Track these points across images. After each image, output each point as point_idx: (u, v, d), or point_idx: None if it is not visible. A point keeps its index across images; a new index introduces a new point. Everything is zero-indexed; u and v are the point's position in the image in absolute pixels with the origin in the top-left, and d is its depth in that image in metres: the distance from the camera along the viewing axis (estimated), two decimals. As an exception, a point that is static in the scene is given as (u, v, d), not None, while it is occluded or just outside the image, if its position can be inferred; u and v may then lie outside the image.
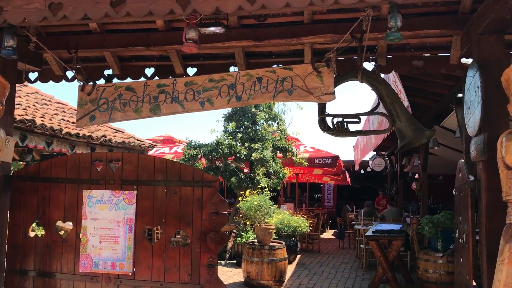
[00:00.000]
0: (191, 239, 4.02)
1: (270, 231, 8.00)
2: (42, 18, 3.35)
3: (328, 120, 4.16)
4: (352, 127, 4.19)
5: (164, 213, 4.10)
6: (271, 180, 10.97)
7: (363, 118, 8.55)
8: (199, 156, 11.09)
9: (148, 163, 4.17)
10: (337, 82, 4.02)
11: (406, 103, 6.85)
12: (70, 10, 3.28)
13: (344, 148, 53.64)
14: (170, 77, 4.67)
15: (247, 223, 10.06)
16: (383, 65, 4.61)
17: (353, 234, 14.26)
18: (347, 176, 19.56)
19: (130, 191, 4.14)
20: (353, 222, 12.53)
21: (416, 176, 14.84)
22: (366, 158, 16.93)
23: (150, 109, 4.08)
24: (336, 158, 12.66)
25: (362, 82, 4.10)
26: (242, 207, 8.20)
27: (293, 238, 10.20)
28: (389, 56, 4.70)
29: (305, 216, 11.19)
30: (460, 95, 7.66)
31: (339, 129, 4.08)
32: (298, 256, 10.83)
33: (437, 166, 13.91)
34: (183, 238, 7.41)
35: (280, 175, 10.81)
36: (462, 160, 4.84)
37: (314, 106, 49.47)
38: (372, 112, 4.75)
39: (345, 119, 4.09)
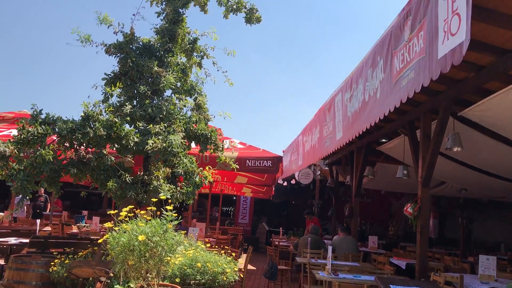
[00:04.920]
0: None
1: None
2: None
3: None
4: None
5: None
6: (179, 189, 6.42)
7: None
8: (53, 137, 6.28)
9: None
10: None
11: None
12: None
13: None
14: None
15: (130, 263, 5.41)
16: None
17: (289, 271, 10.11)
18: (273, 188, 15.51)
19: None
20: (299, 259, 8.31)
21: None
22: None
23: None
24: (278, 160, 8.45)
25: None
26: (111, 245, 3.64)
27: (210, 293, 5.74)
28: None
29: (231, 253, 6.76)
30: None
31: None
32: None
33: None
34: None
35: (196, 179, 6.28)
36: None
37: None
38: None
39: None
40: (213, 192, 14.59)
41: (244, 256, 14.57)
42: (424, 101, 6.57)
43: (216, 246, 8.17)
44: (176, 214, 3.81)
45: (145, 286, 3.76)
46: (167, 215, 3.80)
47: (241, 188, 15.70)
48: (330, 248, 6.55)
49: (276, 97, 49.07)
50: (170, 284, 3.86)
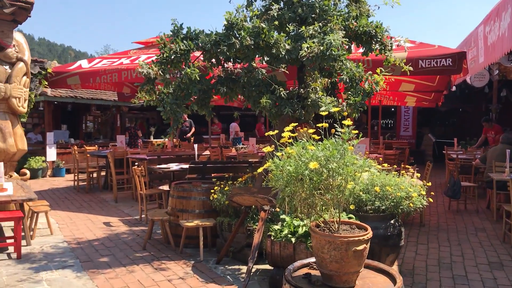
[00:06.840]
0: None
1: (360, 248, 2.61)
2: None
3: None
4: None
5: None
6: (340, 101, 5.36)
7: None
8: (196, 54, 5.65)
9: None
10: None
11: None
12: None
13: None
14: None
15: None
16: None
17: (472, 188, 8.60)
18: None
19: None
20: (493, 175, 6.81)
21: None
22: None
23: None
24: (461, 57, 6.75)
25: None
26: (275, 175, 2.83)
27: (391, 221, 4.77)
28: None
29: (415, 173, 5.62)
30: None
31: None
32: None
33: None
34: None
35: (366, 85, 5.13)
36: None
37: None
38: None
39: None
40: (372, 104, 13.24)
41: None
42: None
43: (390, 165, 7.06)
44: (356, 131, 2.79)
45: (321, 224, 2.91)
46: (342, 133, 2.79)
47: (404, 97, 13.98)
48: (508, 152, 4.99)
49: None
50: (354, 221, 2.95)
